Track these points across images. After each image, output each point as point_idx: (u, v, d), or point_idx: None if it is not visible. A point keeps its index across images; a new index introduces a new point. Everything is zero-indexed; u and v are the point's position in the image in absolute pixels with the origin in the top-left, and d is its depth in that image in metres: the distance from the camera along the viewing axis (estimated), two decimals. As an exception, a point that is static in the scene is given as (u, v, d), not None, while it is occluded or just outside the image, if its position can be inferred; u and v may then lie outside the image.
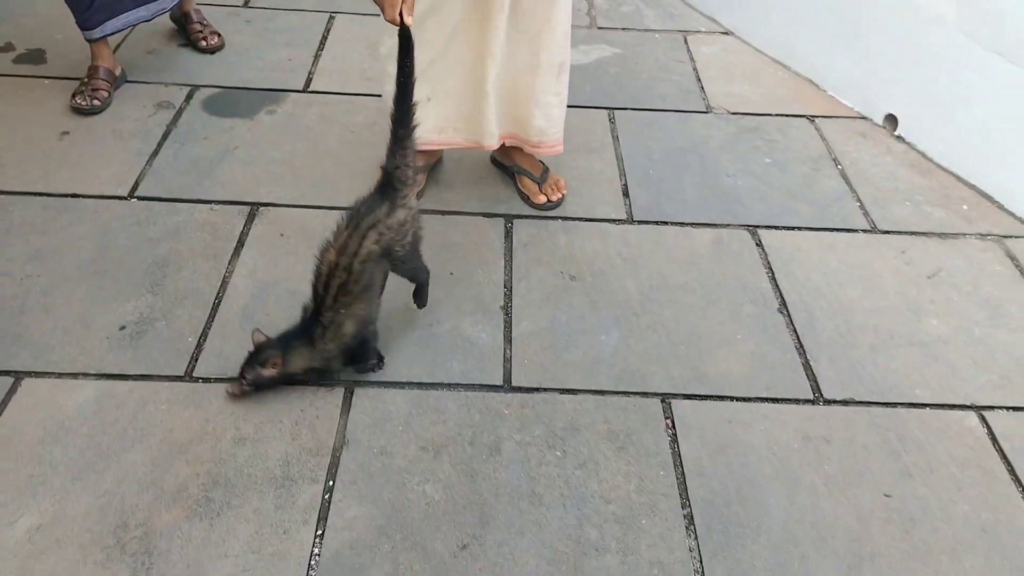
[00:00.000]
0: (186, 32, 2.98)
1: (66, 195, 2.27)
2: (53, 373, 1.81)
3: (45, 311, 1.94)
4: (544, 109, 2.18)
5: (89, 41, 2.63)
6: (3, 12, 3.07)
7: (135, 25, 2.71)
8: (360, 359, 1.84)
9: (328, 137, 2.54)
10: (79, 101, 2.60)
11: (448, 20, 2.02)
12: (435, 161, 2.44)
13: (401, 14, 1.66)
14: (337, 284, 1.70)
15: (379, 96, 2.54)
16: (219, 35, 2.99)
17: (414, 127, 1.76)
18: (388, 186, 1.75)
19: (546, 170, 2.37)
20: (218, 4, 3.21)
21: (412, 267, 1.87)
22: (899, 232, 2.36)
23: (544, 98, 2.16)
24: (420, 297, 1.96)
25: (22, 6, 3.10)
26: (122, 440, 1.68)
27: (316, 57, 2.95)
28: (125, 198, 2.29)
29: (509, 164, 2.39)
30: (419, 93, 1.81)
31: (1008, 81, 2.38)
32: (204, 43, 2.94)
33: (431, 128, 2.15)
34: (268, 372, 1.74)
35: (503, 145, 2.30)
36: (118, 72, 2.72)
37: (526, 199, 2.36)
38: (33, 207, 2.23)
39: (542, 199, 2.34)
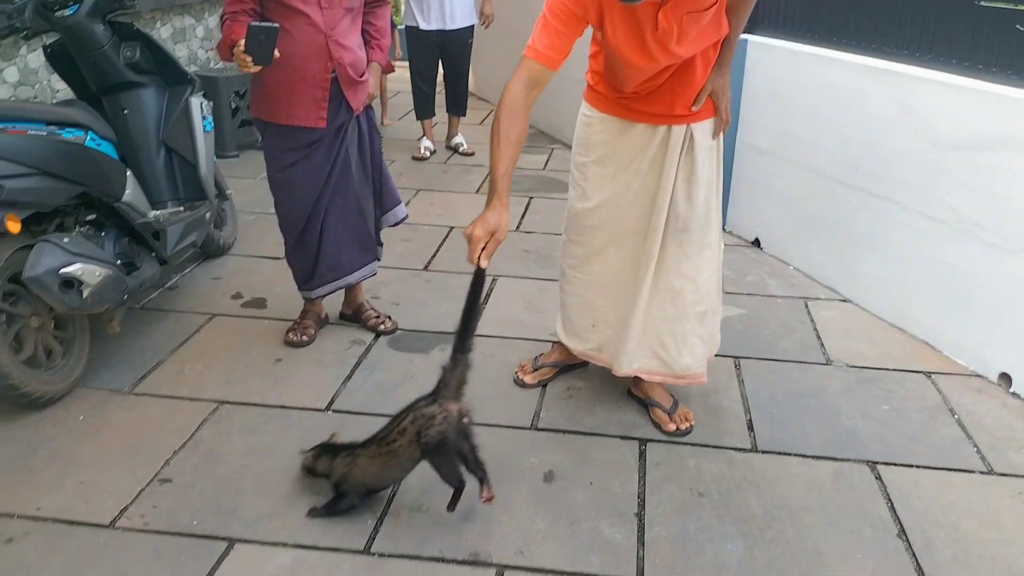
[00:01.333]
0: (362, 321, 3.32)
1: (276, 406, 2.78)
2: (259, 541, 2.18)
3: (256, 493, 2.35)
4: (690, 349, 2.56)
5: (304, 299, 3.27)
6: (236, 271, 3.86)
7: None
8: (331, 503, 2.26)
9: (488, 369, 3.00)
10: (291, 337, 3.20)
11: (606, 267, 2.57)
12: (576, 362, 2.91)
13: (480, 257, 2.04)
14: (381, 437, 2.20)
15: (534, 339, 3.08)
16: (391, 318, 3.33)
17: (471, 350, 2.21)
18: (439, 385, 2.20)
19: (676, 403, 2.70)
20: (403, 267, 3.90)
21: (437, 464, 2.21)
22: (1016, 476, 2.48)
23: (689, 339, 2.55)
24: (451, 503, 2.24)
25: (251, 267, 3.90)
26: (310, 598, 2.00)
27: (481, 308, 3.50)
28: (323, 410, 2.77)
29: (643, 396, 2.74)
30: (585, 321, 2.55)
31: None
32: (383, 327, 3.27)
33: (582, 344, 2.72)
34: (308, 462, 2.32)
35: (638, 378, 2.67)
36: (323, 315, 3.33)
37: (658, 427, 2.66)
38: (251, 414, 2.74)
39: (672, 427, 2.64)
